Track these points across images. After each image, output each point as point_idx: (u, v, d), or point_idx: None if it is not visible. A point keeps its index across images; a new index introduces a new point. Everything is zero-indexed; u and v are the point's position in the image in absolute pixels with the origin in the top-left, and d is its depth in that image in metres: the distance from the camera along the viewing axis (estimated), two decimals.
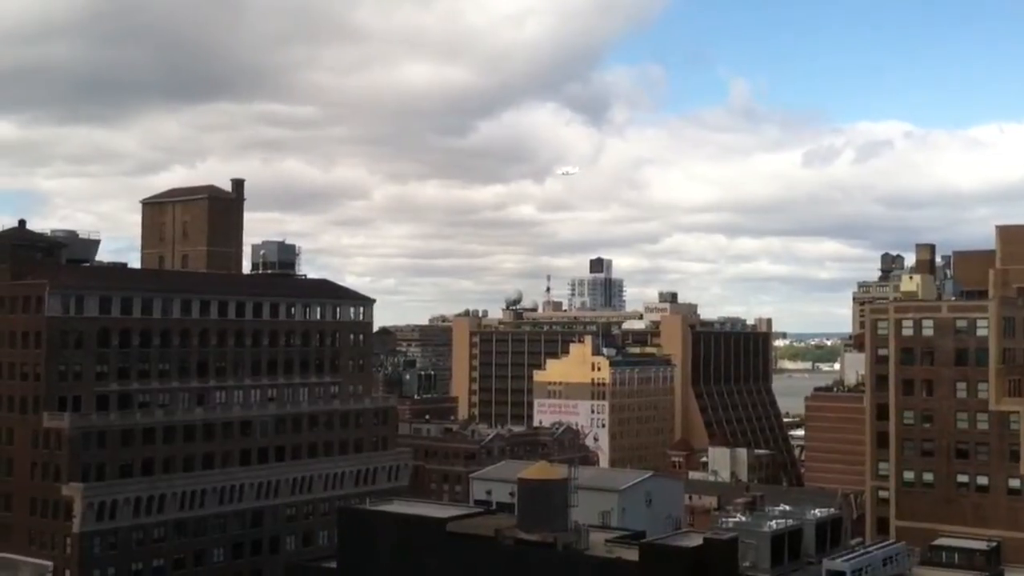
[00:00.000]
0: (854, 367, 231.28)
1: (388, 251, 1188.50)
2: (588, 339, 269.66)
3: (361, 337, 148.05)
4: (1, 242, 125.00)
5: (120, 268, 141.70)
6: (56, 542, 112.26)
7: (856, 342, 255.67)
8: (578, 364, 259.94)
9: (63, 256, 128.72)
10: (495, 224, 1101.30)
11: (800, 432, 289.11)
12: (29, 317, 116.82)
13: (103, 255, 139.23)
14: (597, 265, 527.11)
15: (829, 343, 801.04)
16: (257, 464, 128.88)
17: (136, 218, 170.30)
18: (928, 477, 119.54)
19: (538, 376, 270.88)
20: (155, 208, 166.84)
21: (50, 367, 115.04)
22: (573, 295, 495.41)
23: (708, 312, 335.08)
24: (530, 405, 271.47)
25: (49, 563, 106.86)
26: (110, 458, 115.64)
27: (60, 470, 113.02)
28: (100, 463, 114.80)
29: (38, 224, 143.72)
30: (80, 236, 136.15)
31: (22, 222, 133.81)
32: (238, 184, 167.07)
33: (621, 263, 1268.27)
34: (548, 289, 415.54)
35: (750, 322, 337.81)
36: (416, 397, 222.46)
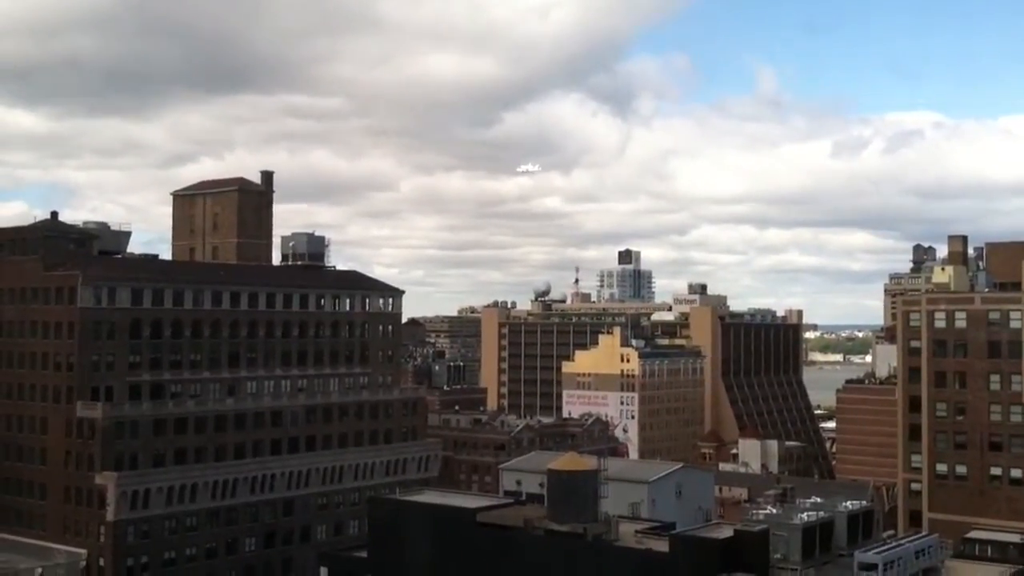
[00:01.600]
0: (886, 359, 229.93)
1: (416, 242, 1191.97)
2: (617, 331, 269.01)
3: (390, 328, 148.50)
4: (34, 234, 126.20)
5: (151, 260, 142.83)
6: (90, 530, 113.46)
7: (888, 334, 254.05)
8: (607, 355, 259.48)
9: (95, 248, 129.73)
10: (522, 216, 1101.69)
11: (831, 424, 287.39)
12: (62, 308, 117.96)
13: (134, 247, 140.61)
14: (626, 257, 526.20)
15: (860, 335, 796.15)
16: (288, 454, 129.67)
17: (165, 210, 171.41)
18: (961, 470, 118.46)
19: (567, 367, 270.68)
20: (185, 200, 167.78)
21: (83, 357, 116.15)
22: (602, 287, 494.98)
23: (738, 304, 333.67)
24: (559, 396, 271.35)
25: (83, 551, 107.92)
26: (143, 447, 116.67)
27: (93, 459, 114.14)
28: (133, 452, 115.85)
29: (69, 216, 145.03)
30: (112, 228, 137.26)
31: (54, 214, 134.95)
32: (267, 176, 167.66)
33: (649, 255, 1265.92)
34: (577, 281, 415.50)
35: (780, 314, 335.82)
36: (445, 388, 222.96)
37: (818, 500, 73.31)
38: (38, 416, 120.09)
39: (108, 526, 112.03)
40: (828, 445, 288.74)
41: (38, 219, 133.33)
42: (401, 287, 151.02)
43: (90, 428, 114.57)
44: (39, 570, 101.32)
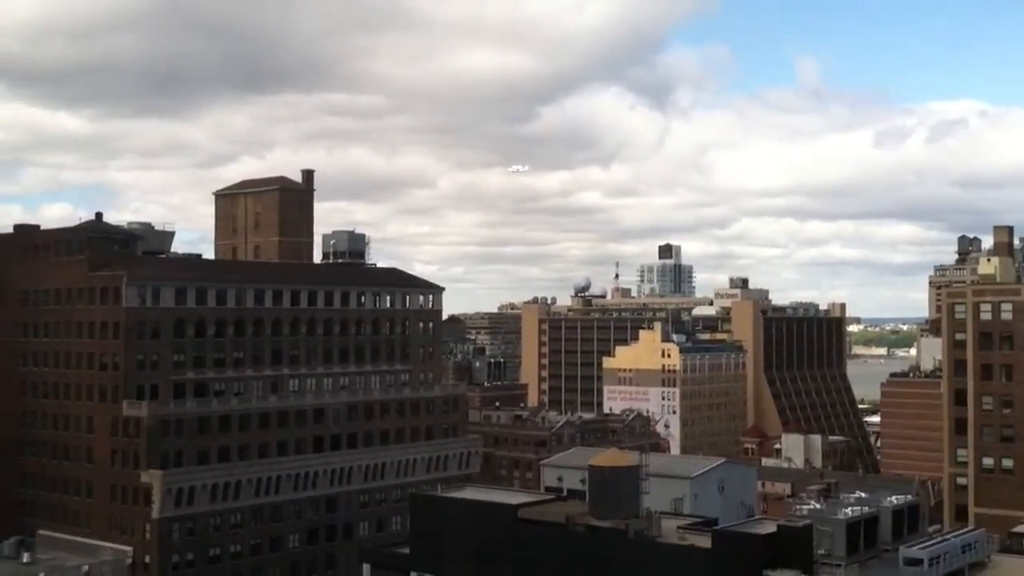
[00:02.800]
0: (931, 352, 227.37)
1: (454, 239, 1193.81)
2: (658, 326, 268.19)
3: (431, 325, 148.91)
4: (79, 235, 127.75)
5: (194, 259, 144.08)
6: (136, 528, 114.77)
7: (933, 327, 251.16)
8: (648, 351, 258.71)
9: (139, 248, 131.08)
10: (561, 211, 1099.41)
11: (876, 419, 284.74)
12: (107, 308, 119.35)
13: (176, 246, 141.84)
14: (666, 251, 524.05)
15: (905, 328, 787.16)
16: (330, 451, 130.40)
17: (207, 209, 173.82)
18: (1007, 463, 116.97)
19: (608, 363, 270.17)
20: (228, 200, 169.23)
21: (128, 357, 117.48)
22: (642, 281, 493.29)
23: (779, 297, 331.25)
24: (600, 392, 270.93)
25: (129, 548, 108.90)
26: (187, 445, 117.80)
27: (139, 457, 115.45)
28: (178, 450, 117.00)
29: (112, 217, 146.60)
30: (155, 228, 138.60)
31: (99, 215, 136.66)
32: (308, 175, 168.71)
33: (690, 249, 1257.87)
34: (617, 276, 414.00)
35: (823, 307, 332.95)
36: (486, 384, 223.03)
37: (862, 495, 72.56)
38: (84, 415, 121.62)
39: (153, 524, 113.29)
40: (872, 440, 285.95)
41: (82, 220, 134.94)
42: (440, 284, 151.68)
43: (136, 427, 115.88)
44: (86, 567, 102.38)
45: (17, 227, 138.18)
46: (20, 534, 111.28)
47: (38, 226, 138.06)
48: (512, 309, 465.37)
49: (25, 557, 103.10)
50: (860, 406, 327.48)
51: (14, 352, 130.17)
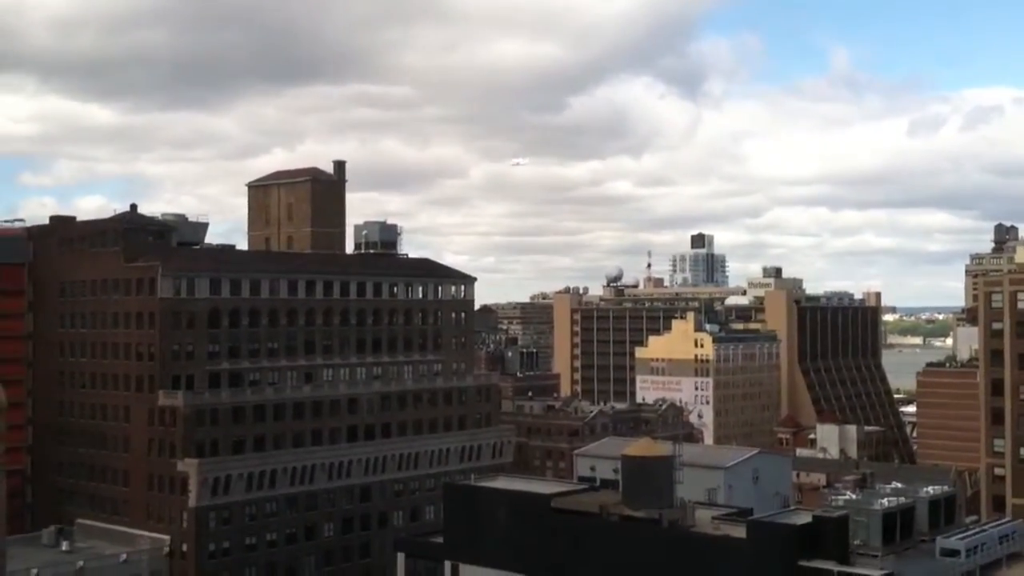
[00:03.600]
0: (967, 341, 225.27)
1: (485, 229, 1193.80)
2: (691, 315, 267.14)
3: (463, 315, 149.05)
4: (114, 226, 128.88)
5: (228, 250, 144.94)
6: (172, 516, 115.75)
7: (969, 316, 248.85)
8: (681, 340, 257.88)
9: (174, 239, 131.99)
10: (592, 200, 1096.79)
11: (912, 409, 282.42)
12: (143, 299, 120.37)
13: (209, 238, 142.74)
14: (699, 240, 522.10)
15: (940, 317, 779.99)
16: (364, 440, 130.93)
17: (239, 201, 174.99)
18: None
19: (640, 353, 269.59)
20: (260, 191, 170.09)
21: (164, 347, 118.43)
22: (674, 271, 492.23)
23: (813, 287, 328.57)
24: (632, 382, 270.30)
25: (166, 537, 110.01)
26: (223, 435, 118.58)
27: (175, 446, 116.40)
28: (213, 440, 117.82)
29: (145, 208, 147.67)
30: (189, 219, 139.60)
31: (133, 206, 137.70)
32: (340, 165, 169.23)
33: (722, 238, 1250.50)
34: (649, 265, 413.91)
35: (857, 296, 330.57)
36: (518, 374, 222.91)
37: (899, 485, 72.22)
38: (121, 405, 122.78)
39: (190, 512, 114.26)
40: (908, 430, 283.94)
41: (117, 212, 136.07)
42: (472, 274, 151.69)
43: (172, 416, 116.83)
44: (124, 556, 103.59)
45: (53, 219, 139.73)
46: (59, 523, 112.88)
47: (74, 218, 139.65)
48: (544, 299, 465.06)
49: (64, 545, 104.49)
50: (896, 396, 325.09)
51: (52, 342, 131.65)
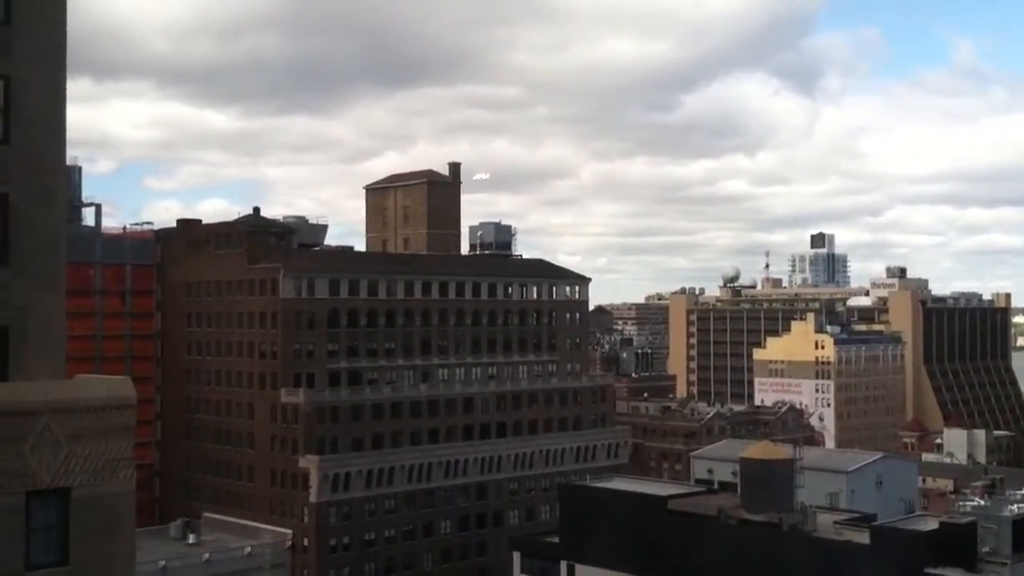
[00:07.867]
0: None
1: (596, 230, 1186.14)
2: (811, 316, 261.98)
3: (577, 315, 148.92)
4: (237, 228, 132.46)
5: (347, 252, 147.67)
6: (294, 511, 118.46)
7: None
8: (800, 342, 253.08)
9: (294, 241, 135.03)
10: (706, 200, 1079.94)
11: None
12: (266, 299, 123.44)
13: (327, 239, 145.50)
14: (819, 240, 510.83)
15: None
16: (480, 440, 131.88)
17: (354, 203, 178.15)
18: None
19: (758, 354, 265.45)
20: (377, 193, 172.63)
21: (286, 346, 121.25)
22: (793, 271, 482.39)
23: (939, 287, 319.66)
24: (750, 384, 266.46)
25: (289, 531, 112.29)
26: (342, 432, 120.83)
27: (297, 443, 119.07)
28: (333, 437, 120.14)
29: (265, 211, 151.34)
30: (309, 221, 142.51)
31: (256, 209, 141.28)
32: (455, 167, 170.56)
33: (842, 237, 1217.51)
34: (767, 265, 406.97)
35: (986, 297, 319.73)
36: (633, 375, 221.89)
37: None
38: (245, 402, 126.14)
39: (311, 508, 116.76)
40: None
41: (239, 214, 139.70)
42: (585, 275, 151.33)
43: (293, 413, 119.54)
44: (248, 549, 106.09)
45: (180, 222, 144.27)
46: (186, 516, 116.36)
47: (199, 221, 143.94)
48: (659, 300, 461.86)
49: (191, 538, 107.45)
50: None
51: (180, 341, 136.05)
